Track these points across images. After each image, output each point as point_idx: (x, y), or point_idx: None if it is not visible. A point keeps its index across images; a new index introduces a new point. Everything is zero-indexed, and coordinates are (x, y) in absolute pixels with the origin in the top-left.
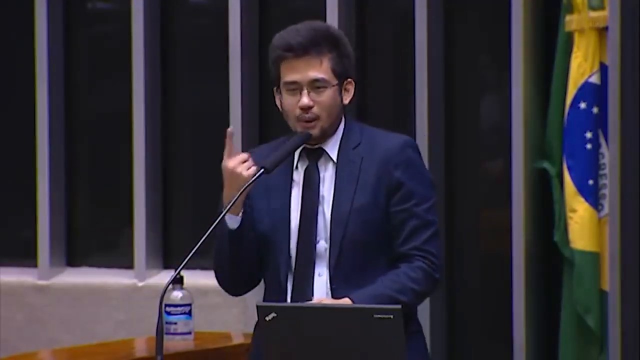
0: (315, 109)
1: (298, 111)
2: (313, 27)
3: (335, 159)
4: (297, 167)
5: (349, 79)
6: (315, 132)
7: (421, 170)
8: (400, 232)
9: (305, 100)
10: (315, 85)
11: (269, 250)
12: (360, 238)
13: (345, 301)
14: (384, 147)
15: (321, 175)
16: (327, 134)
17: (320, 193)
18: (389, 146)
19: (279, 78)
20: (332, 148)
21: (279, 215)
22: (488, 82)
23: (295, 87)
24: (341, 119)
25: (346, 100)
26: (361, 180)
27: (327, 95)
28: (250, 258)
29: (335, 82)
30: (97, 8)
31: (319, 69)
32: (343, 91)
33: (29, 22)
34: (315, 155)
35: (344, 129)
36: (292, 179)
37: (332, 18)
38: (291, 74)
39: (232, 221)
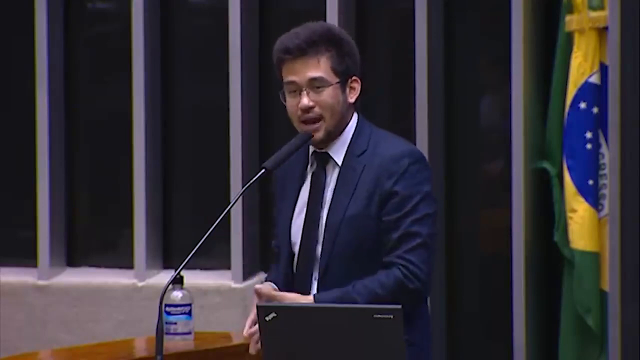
0: (316, 109)
1: (299, 112)
2: (312, 28)
3: (340, 164)
4: (310, 169)
5: (354, 77)
6: (319, 134)
7: (416, 182)
8: (386, 242)
9: (304, 100)
10: (314, 84)
11: (279, 249)
12: (350, 247)
13: (309, 299)
14: (383, 156)
15: (327, 179)
16: (332, 136)
17: (324, 197)
18: (387, 155)
19: (282, 81)
20: (337, 152)
21: (284, 217)
22: (488, 82)
23: (295, 88)
24: (348, 119)
25: (352, 99)
26: (358, 189)
27: (327, 94)
28: None
29: (335, 80)
30: (97, 8)
31: (316, 68)
32: (349, 90)
33: (29, 22)
34: (323, 159)
35: (355, 132)
36: (304, 181)
37: (332, 18)
38: (290, 75)
39: None
